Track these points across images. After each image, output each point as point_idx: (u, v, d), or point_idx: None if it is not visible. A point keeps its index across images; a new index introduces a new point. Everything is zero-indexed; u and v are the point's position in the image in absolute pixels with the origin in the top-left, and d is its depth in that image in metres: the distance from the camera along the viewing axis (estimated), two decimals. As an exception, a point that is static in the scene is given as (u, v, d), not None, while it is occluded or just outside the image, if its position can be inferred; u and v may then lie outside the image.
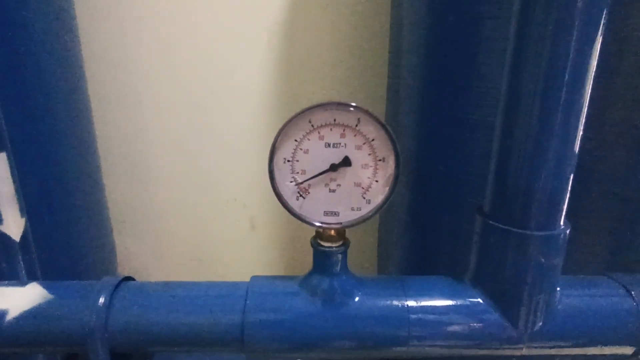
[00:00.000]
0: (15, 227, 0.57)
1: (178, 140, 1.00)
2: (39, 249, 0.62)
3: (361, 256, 1.05)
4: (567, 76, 0.37)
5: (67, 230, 0.76)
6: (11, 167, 0.57)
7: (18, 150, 0.58)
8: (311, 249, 0.47)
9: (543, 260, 0.42)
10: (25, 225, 0.59)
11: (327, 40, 0.95)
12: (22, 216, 0.59)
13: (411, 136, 0.69)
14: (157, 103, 0.98)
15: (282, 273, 1.12)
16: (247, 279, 0.49)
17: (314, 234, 0.47)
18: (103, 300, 0.45)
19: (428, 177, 0.66)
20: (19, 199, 0.58)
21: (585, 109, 0.38)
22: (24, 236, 0.58)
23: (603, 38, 0.37)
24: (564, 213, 0.42)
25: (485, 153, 0.45)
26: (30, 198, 0.60)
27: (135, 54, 0.94)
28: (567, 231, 0.43)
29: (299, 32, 0.94)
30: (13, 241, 0.57)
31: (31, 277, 0.58)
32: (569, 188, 0.41)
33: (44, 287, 0.48)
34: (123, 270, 1.05)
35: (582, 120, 0.39)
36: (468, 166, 0.58)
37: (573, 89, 0.37)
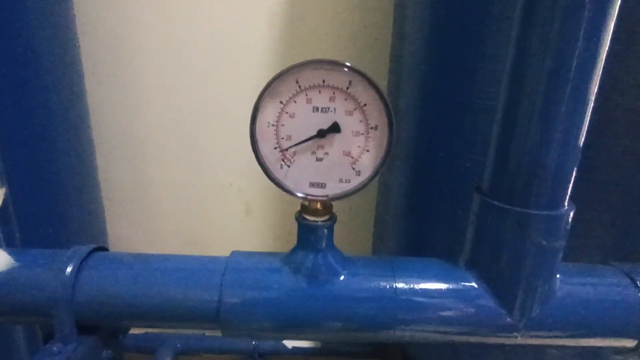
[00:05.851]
0: (-8, 195, 0.54)
1: (174, 122, 0.98)
2: (23, 225, 0.59)
3: (356, 250, 1.02)
4: (579, 38, 0.33)
5: (55, 208, 0.73)
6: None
7: (6, 123, 0.55)
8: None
9: (544, 242, 0.39)
10: (6, 195, 0.56)
11: (330, 20, 0.91)
12: (1, 185, 0.56)
13: (411, 121, 0.66)
14: (154, 82, 0.95)
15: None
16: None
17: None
18: (70, 270, 0.42)
19: (427, 164, 0.63)
20: (-2, 166, 0.55)
21: (598, 77, 0.35)
22: (3, 206, 0.55)
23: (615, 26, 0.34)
24: (569, 192, 0.39)
25: (488, 139, 0.42)
26: (16, 171, 0.58)
27: (131, 30, 0.92)
28: (572, 213, 0.39)
29: (301, 11, 0.91)
30: (-10, 210, 0.54)
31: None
32: (577, 165, 0.38)
33: (9, 254, 0.45)
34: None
35: (595, 89, 0.35)
36: (469, 153, 0.55)
37: (586, 50, 0.34)
